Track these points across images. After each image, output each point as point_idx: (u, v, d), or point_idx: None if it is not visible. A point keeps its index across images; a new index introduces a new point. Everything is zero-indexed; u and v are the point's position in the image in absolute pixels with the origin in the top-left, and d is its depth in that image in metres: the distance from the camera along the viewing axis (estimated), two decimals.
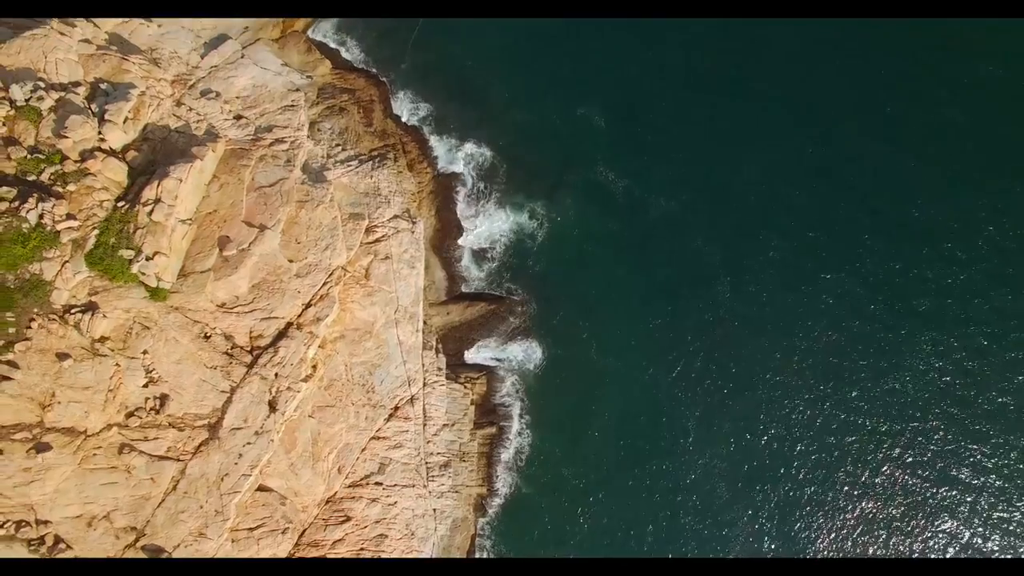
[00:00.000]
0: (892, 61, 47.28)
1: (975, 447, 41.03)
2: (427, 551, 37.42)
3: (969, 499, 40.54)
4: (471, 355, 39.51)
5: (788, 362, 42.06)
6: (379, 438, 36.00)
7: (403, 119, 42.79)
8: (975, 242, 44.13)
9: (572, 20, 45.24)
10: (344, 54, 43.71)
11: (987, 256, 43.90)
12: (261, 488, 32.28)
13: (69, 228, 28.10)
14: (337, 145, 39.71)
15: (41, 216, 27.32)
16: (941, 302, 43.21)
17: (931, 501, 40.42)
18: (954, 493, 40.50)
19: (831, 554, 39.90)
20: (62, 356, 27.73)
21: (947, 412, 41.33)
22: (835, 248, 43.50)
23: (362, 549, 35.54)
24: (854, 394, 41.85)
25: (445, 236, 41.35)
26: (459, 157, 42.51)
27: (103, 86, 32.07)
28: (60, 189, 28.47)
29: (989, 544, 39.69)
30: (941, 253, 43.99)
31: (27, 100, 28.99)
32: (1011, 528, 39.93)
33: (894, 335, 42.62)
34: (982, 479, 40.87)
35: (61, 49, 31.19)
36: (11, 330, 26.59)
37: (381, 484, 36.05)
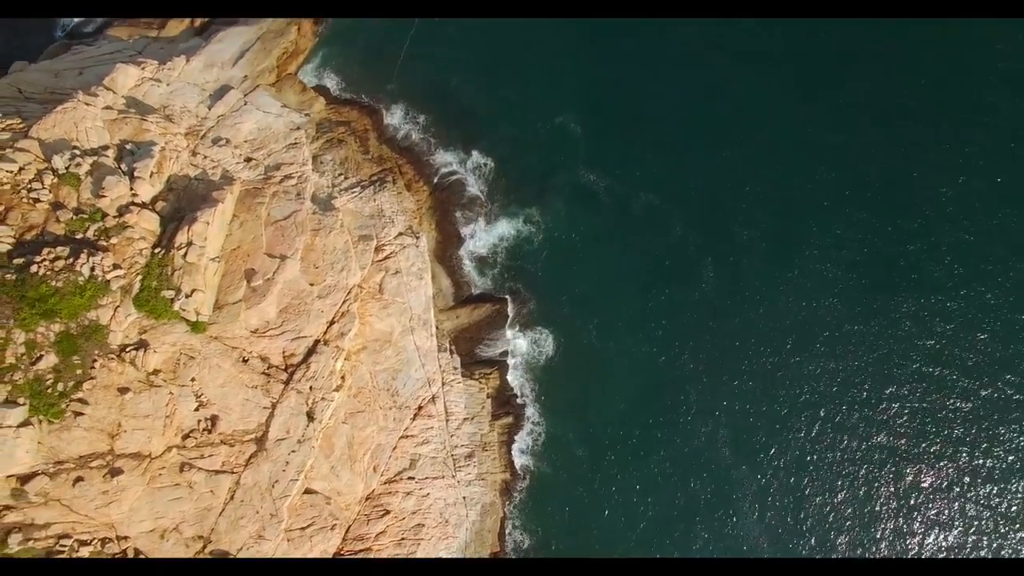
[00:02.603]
0: (851, 48, 50.57)
1: (959, 404, 44.66)
2: (461, 536, 40.91)
3: (962, 449, 44.36)
4: (482, 353, 43.14)
5: (774, 331, 45.71)
6: (407, 436, 39.53)
7: (396, 143, 46.33)
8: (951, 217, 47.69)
9: (543, 30, 48.74)
10: (335, 89, 47.23)
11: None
12: (307, 491, 35.76)
13: (117, 276, 31.59)
14: (340, 174, 43.29)
15: (92, 269, 30.81)
16: (919, 271, 46.75)
17: (924, 458, 44.11)
18: (948, 450, 44.19)
19: (826, 510, 43.47)
20: (123, 390, 31.22)
21: (934, 373, 44.86)
22: (806, 225, 47.14)
23: (402, 539, 39.07)
24: (842, 361, 45.42)
25: (447, 246, 44.94)
26: (452, 172, 46.07)
27: (128, 146, 35.59)
28: (105, 243, 31.96)
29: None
30: (915, 226, 47.58)
31: (67, 168, 32.48)
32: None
33: (875, 303, 46.20)
34: (970, 431, 44.56)
35: (89, 118, 34.72)
36: (79, 371, 30.09)
37: (413, 478, 39.58)
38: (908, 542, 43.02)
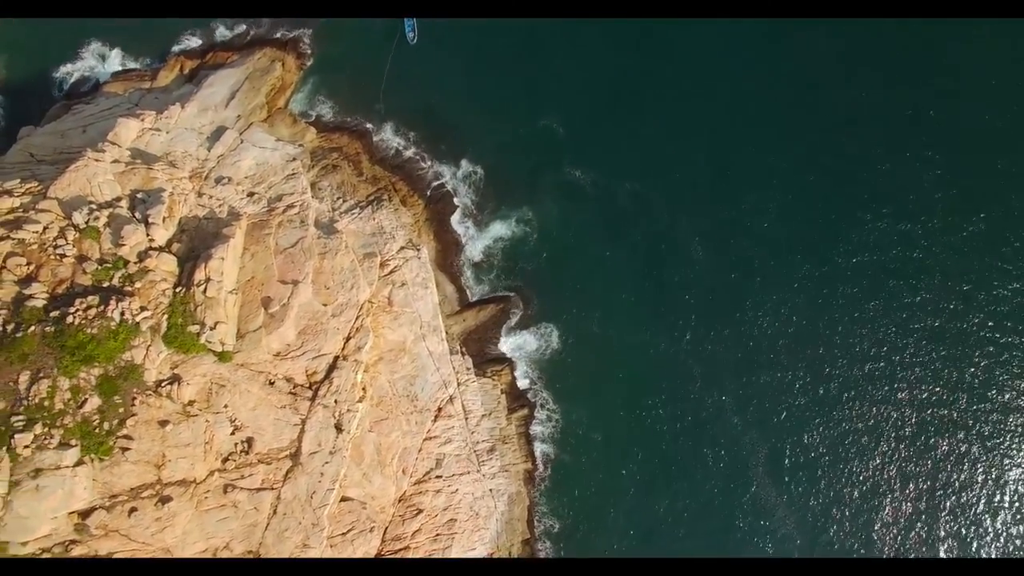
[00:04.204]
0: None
1: (933, 364, 47.08)
2: (492, 527, 43.11)
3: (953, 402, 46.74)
4: (492, 351, 45.34)
5: (769, 301, 47.94)
6: (431, 438, 41.74)
7: (388, 162, 48.38)
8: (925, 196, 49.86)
9: (517, 37, 50.81)
10: (324, 117, 49.19)
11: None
12: (344, 499, 38.00)
13: (145, 318, 33.78)
14: (338, 198, 45.50)
15: (122, 313, 32.98)
16: (879, 238, 48.97)
17: (918, 425, 46.39)
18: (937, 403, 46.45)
19: (839, 466, 45.75)
20: (163, 423, 33.44)
21: (923, 334, 47.32)
22: (786, 197, 49.32)
23: (437, 535, 41.30)
24: (838, 324, 47.62)
25: (447, 255, 47.09)
26: (444, 184, 48.22)
27: (139, 195, 37.80)
28: (130, 288, 34.18)
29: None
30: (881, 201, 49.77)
31: (86, 222, 34.72)
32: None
33: (864, 264, 48.41)
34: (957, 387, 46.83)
35: (100, 173, 36.92)
36: (121, 410, 32.31)
37: (441, 476, 41.80)
38: (917, 486, 45.49)
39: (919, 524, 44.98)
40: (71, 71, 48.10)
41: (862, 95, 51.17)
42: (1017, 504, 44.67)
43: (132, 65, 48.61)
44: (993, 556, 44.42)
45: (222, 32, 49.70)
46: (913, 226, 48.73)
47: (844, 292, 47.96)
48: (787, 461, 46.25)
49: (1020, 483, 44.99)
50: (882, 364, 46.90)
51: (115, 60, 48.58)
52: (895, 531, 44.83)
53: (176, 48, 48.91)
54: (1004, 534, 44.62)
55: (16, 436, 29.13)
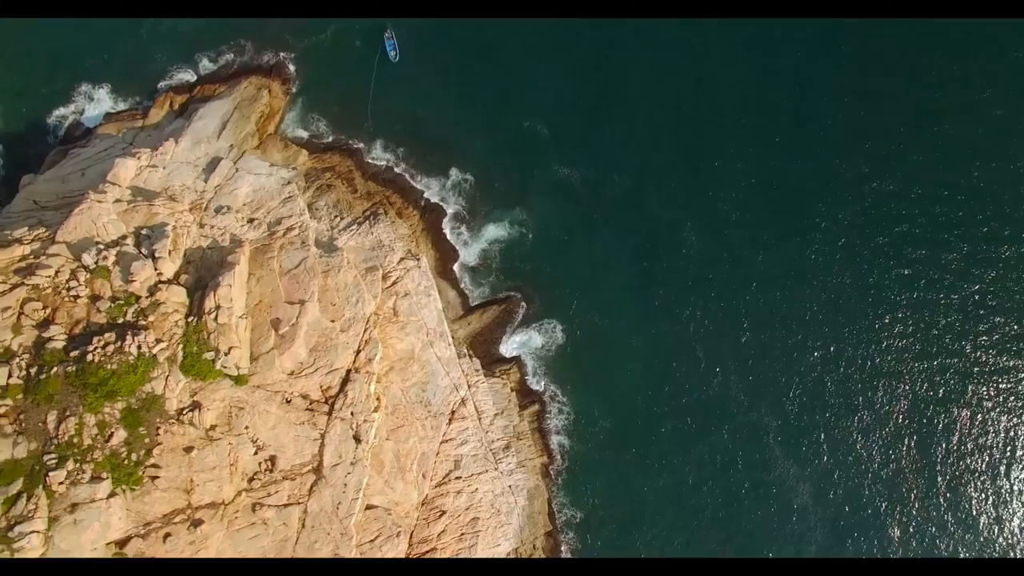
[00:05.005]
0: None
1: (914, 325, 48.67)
2: (514, 522, 44.27)
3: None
4: (498, 351, 46.46)
5: (764, 279, 49.18)
6: (447, 441, 42.88)
7: (380, 177, 49.42)
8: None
9: (494, 43, 51.88)
10: (314, 139, 50.26)
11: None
12: (369, 507, 39.13)
13: (161, 349, 34.88)
14: (336, 216, 46.59)
15: (139, 347, 34.08)
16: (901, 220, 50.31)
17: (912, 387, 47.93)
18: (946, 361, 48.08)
19: (847, 428, 47.13)
20: (188, 449, 34.55)
21: (914, 302, 48.87)
22: (772, 176, 50.58)
23: (462, 534, 42.45)
24: (833, 292, 49.03)
25: (446, 261, 48.21)
26: (436, 193, 49.29)
27: (144, 231, 38.90)
28: (144, 322, 35.28)
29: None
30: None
31: (96, 262, 35.80)
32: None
33: (853, 239, 49.82)
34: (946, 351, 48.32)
35: (104, 214, 38.02)
36: (146, 440, 33.43)
37: (460, 477, 42.95)
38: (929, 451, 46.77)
39: (932, 474, 46.60)
40: (64, 115, 49.16)
41: (830, 73, 52.47)
42: None
43: (122, 104, 49.63)
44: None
45: (206, 64, 50.72)
46: (899, 200, 50.19)
47: (842, 267, 49.37)
48: (795, 430, 47.47)
49: None
50: (889, 336, 48.40)
51: (105, 101, 49.62)
52: (915, 484, 46.49)
53: (164, 84, 49.96)
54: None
55: (50, 474, 30.29)
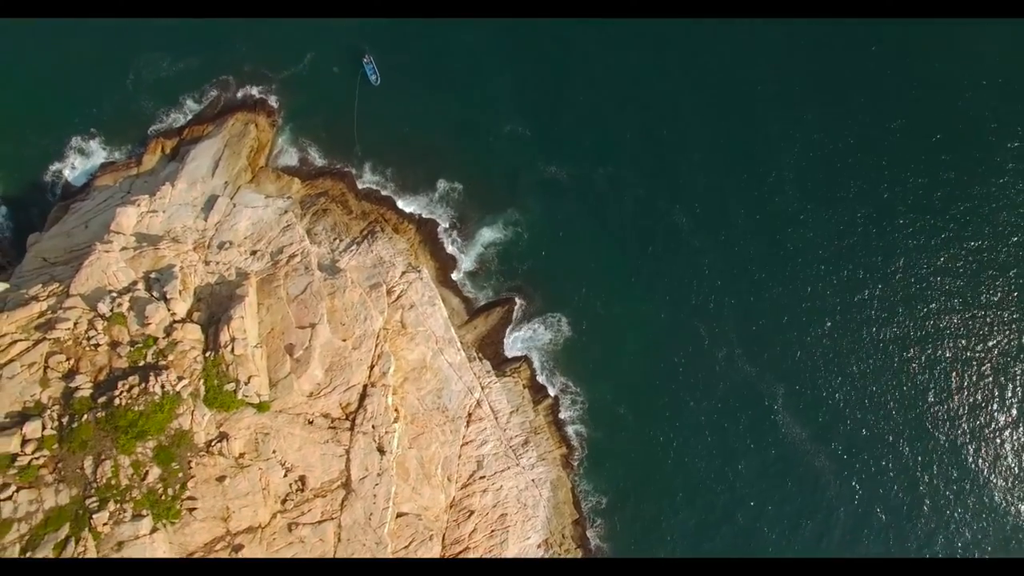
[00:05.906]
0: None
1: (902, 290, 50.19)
2: (541, 514, 45.58)
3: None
4: (507, 350, 47.77)
5: (760, 254, 50.66)
6: (467, 443, 44.19)
7: (373, 196, 50.70)
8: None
9: (466, 52, 53.12)
10: (305, 166, 51.52)
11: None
12: (400, 515, 40.45)
13: (184, 386, 36.16)
14: (335, 239, 47.90)
15: (163, 386, 35.38)
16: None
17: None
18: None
19: (853, 394, 48.57)
20: (221, 478, 35.83)
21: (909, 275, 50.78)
22: (746, 162, 52.06)
23: (492, 532, 43.76)
24: (830, 264, 50.72)
25: (446, 270, 49.53)
26: (429, 206, 50.58)
27: (153, 275, 40.18)
28: (164, 362, 36.57)
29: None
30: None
31: (111, 310, 37.08)
32: None
33: (840, 212, 51.54)
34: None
35: (112, 263, 39.30)
36: (180, 474, 34.73)
37: (484, 477, 44.24)
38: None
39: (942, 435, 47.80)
40: (59, 171, 50.42)
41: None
42: None
43: (116, 154, 50.88)
44: None
45: (191, 105, 51.93)
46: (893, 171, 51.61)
47: (835, 237, 50.75)
48: (803, 397, 48.79)
49: None
50: (882, 304, 50.00)
51: (98, 152, 50.87)
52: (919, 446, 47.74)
53: (153, 129, 51.16)
54: None
55: (94, 516, 31.57)
